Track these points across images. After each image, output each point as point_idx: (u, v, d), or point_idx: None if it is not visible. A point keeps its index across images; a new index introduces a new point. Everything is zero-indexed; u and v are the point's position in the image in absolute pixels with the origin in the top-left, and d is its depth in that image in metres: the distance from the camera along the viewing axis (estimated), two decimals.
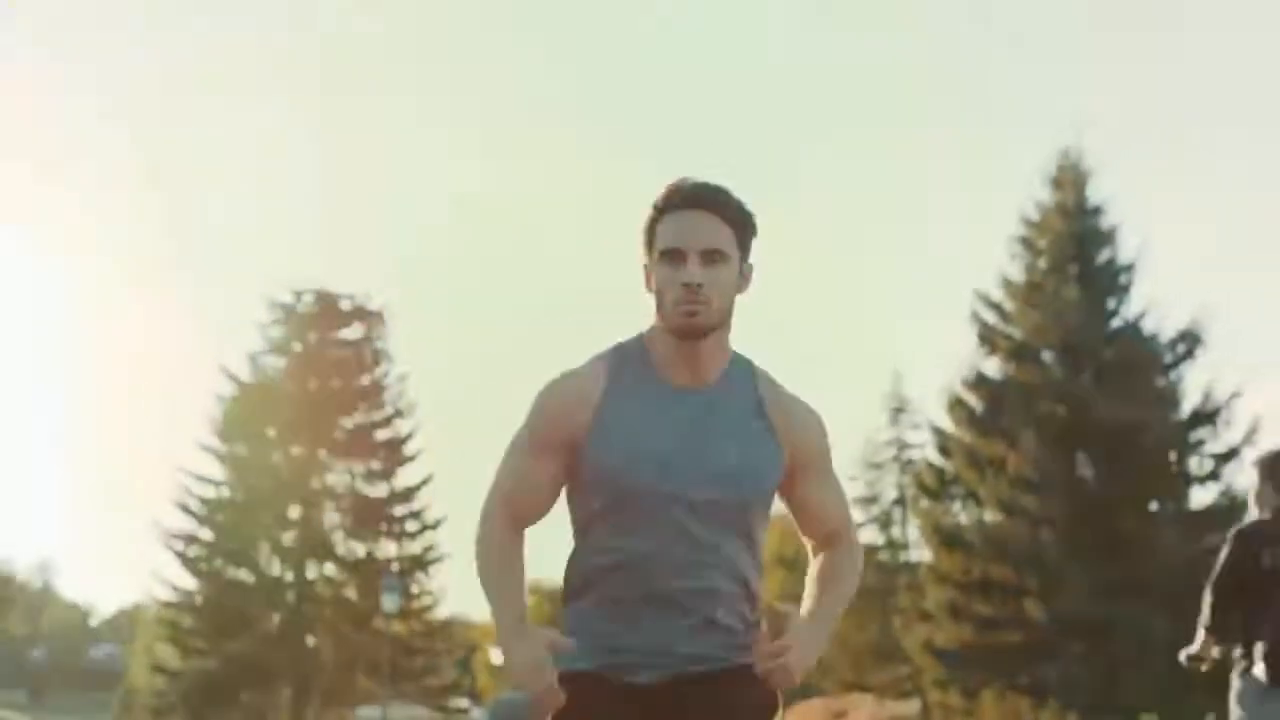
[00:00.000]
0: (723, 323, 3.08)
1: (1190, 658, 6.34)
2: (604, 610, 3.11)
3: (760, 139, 77.54)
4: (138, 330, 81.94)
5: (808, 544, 3.29)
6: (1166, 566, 27.83)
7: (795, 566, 45.03)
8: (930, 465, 32.29)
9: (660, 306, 3.08)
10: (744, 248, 3.10)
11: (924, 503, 32.31)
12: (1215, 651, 6.28)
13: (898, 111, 76.90)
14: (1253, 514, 6.48)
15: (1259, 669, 6.09)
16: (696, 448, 3.06)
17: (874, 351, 69.69)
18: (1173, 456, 29.67)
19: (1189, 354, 29.98)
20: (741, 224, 3.09)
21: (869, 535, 39.97)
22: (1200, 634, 6.30)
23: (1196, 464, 29.91)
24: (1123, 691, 27.86)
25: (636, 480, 3.03)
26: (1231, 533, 6.42)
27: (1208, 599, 6.26)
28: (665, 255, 3.05)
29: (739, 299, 3.13)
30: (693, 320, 3.03)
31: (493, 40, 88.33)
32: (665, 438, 3.05)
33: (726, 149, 71.38)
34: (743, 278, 3.12)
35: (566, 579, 3.20)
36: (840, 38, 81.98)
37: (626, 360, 3.13)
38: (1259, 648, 6.09)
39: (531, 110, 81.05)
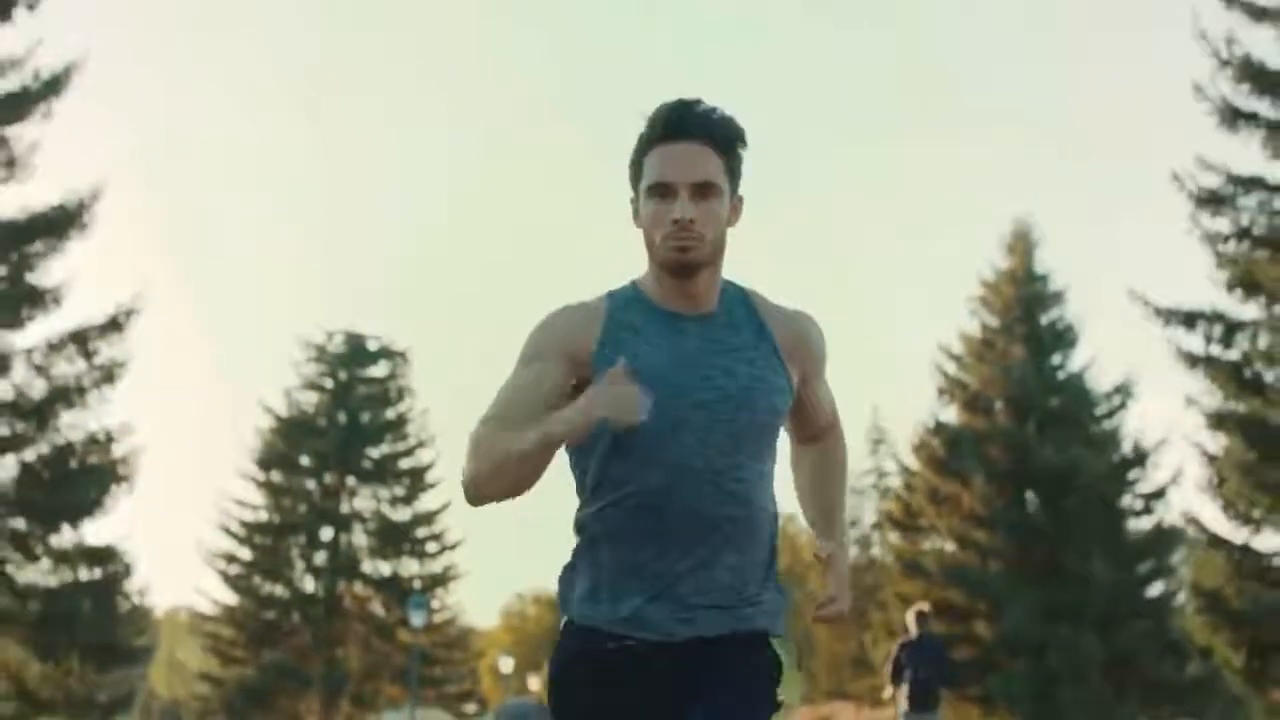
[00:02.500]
0: (715, 257, 3.09)
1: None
2: (619, 557, 3.09)
3: (755, 156, 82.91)
4: (189, 369, 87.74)
5: (793, 434, 3.39)
6: (1100, 593, 33.73)
7: (790, 578, 50.98)
8: (898, 499, 38.32)
9: (650, 243, 3.08)
10: (734, 175, 3.10)
11: (891, 534, 38.32)
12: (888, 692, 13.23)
13: (892, 134, 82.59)
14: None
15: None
16: (704, 371, 3.06)
17: (855, 385, 75.63)
18: (1107, 495, 35.56)
19: (1123, 404, 35.91)
20: (732, 149, 3.09)
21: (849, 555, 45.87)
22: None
23: (1129, 501, 35.80)
24: (1060, 702, 33.76)
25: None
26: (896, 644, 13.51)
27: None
28: (654, 190, 3.05)
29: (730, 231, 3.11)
30: (685, 256, 3.03)
31: (532, 98, 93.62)
32: (672, 362, 3.06)
33: None
34: (733, 209, 3.11)
35: (578, 533, 3.17)
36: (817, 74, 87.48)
37: (620, 298, 3.15)
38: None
39: (556, 152, 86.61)
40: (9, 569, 21.61)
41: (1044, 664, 33.82)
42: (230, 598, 42.60)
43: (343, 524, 42.68)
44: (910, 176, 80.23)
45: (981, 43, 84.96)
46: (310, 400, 43.39)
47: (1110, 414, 36.15)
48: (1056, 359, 36.55)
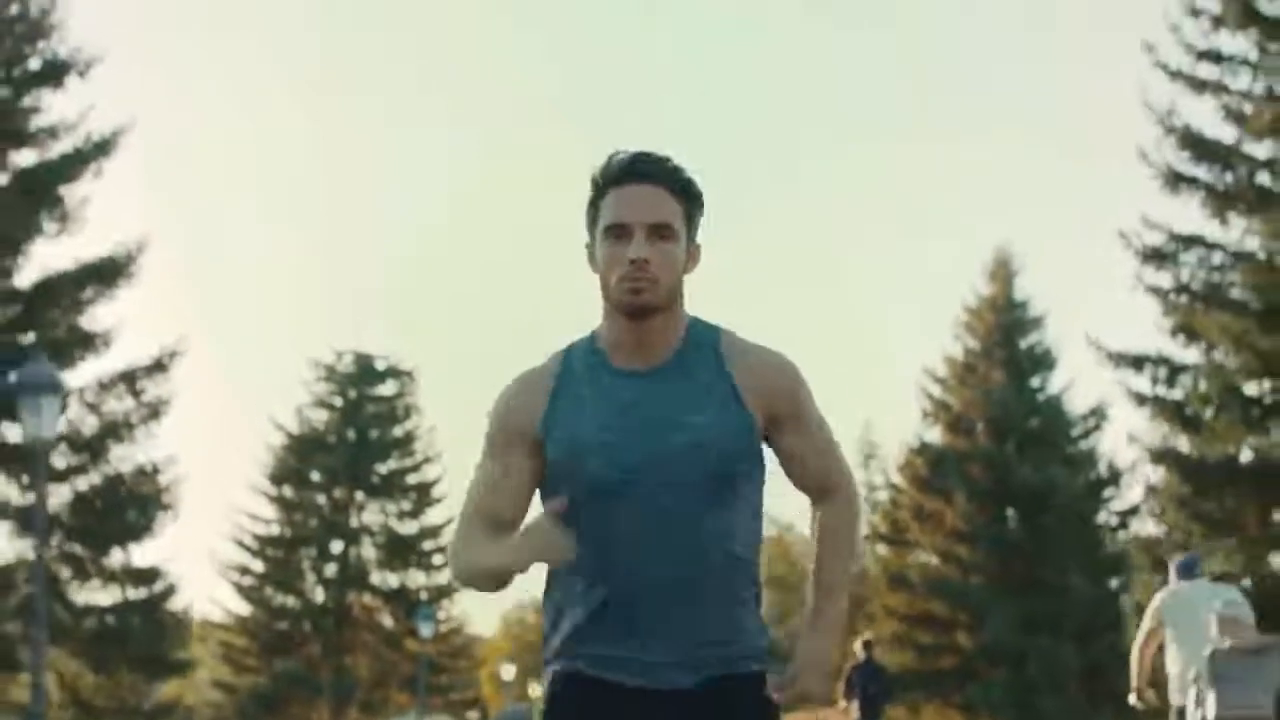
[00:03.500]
0: (671, 302, 3.09)
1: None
2: (583, 618, 3.14)
3: (756, 156, 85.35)
4: (201, 387, 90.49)
5: (798, 489, 3.29)
6: (1075, 605, 36.45)
7: (786, 586, 53.58)
8: (885, 514, 41.09)
9: (605, 286, 3.09)
10: (691, 223, 3.12)
11: (879, 547, 41.07)
12: None
13: (891, 136, 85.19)
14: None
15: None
16: (654, 429, 3.06)
17: (848, 398, 78.18)
18: (1084, 512, 38.28)
19: (1098, 426, 38.66)
20: (689, 197, 3.11)
21: None
22: None
23: (1104, 518, 38.55)
24: (1038, 709, 36.45)
25: (584, 470, 3.04)
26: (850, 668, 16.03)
27: None
28: (610, 231, 3.06)
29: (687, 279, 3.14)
30: (639, 299, 3.04)
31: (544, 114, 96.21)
32: (611, 423, 3.06)
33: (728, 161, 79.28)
34: (690, 256, 3.13)
35: (545, 582, 3.25)
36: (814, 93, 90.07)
37: (576, 352, 3.17)
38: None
39: (558, 153, 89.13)
40: (66, 589, 24.32)
41: (1023, 673, 36.49)
42: (243, 608, 45.15)
43: (352, 537, 45.21)
44: (909, 179, 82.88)
45: (982, 43, 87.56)
46: (320, 418, 45.97)
47: (1086, 435, 38.90)
48: (1035, 382, 39.28)
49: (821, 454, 3.24)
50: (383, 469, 45.86)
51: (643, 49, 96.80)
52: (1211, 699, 9.40)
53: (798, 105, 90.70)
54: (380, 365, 46.50)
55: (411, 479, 46.16)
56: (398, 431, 46.28)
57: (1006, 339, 38.98)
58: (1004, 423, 38.22)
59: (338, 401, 46.09)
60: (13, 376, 21.83)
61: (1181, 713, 9.85)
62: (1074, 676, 36.45)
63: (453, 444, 50.60)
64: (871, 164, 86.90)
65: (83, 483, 24.62)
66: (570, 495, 3.04)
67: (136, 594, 25.42)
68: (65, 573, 24.26)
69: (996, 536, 37.99)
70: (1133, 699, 10.30)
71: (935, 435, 39.68)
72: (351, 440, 45.60)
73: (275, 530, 45.15)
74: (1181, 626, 9.84)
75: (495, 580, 3.09)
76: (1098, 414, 38.66)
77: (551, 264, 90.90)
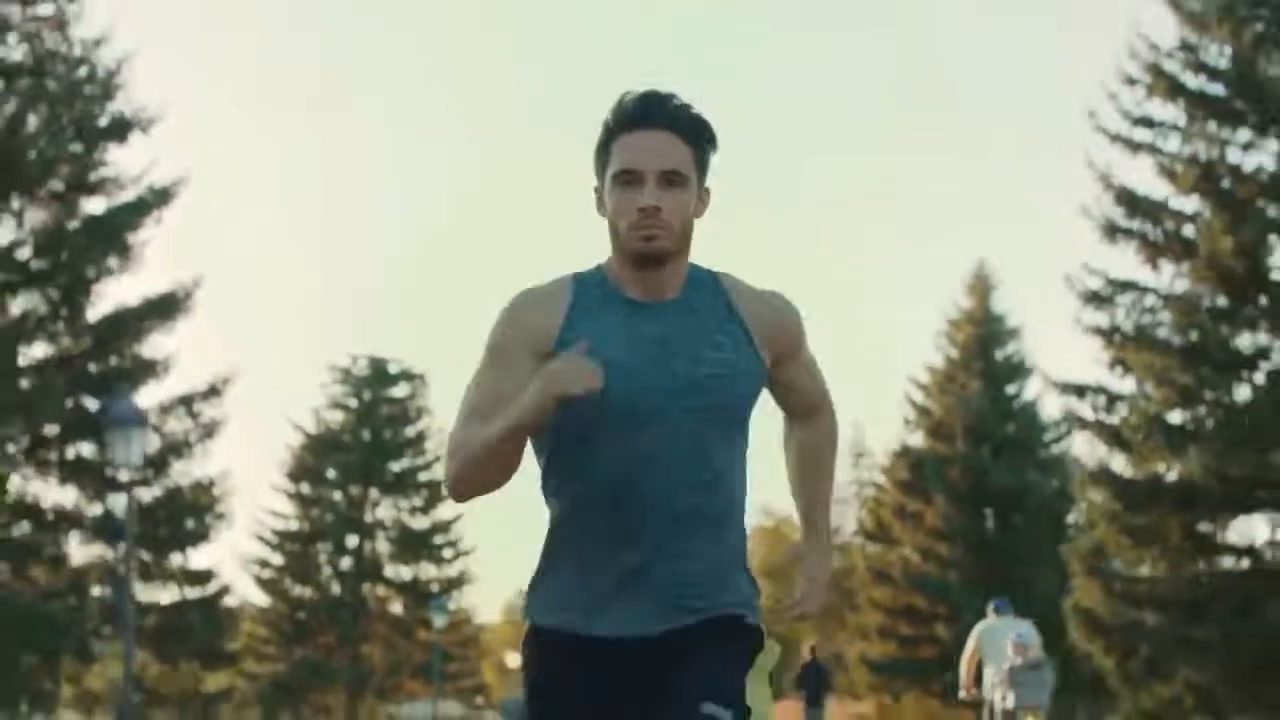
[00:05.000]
0: (682, 249, 3.15)
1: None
2: (574, 552, 3.18)
3: (753, 159, 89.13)
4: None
5: (783, 410, 3.44)
6: (1045, 599, 40.63)
7: (782, 578, 57.67)
8: (871, 514, 45.34)
9: (615, 232, 3.14)
10: (702, 168, 3.17)
11: (866, 545, 45.34)
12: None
13: (891, 138, 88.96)
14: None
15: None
16: (670, 359, 3.12)
17: (839, 398, 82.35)
18: (1056, 514, 42.41)
19: (1069, 432, 42.77)
20: (701, 142, 3.15)
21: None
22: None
23: (1074, 518, 42.66)
24: None
25: (606, 392, 3.04)
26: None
27: None
28: (620, 177, 3.11)
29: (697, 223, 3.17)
30: (651, 245, 3.09)
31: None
32: (636, 350, 3.11)
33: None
34: (700, 201, 3.17)
35: (550, 527, 3.25)
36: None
37: (586, 281, 3.21)
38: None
39: (559, 153, 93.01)
40: (132, 588, 28.53)
41: None
42: (263, 600, 49.16)
43: (366, 532, 48.96)
44: (907, 185, 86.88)
45: (981, 45, 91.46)
46: (336, 419, 49.86)
47: (1058, 440, 43.04)
48: (1011, 390, 43.43)
49: (815, 379, 3.41)
50: (395, 467, 49.59)
51: (641, 50, 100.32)
52: (1011, 697, 14.69)
53: (795, 108, 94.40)
54: (393, 369, 50.42)
55: (423, 476, 49.83)
56: (410, 432, 50.10)
57: (984, 350, 43.11)
58: (981, 429, 42.33)
59: (353, 404, 49.89)
60: (96, 404, 26.17)
61: (991, 707, 15.00)
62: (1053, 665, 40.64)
63: None
64: (870, 170, 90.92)
65: (146, 494, 28.77)
66: (573, 424, 3.10)
67: (194, 593, 29.75)
68: (131, 574, 28.41)
69: (973, 535, 42.12)
70: (962, 694, 15.53)
71: (917, 440, 43.84)
72: (366, 440, 49.39)
73: (294, 526, 48.62)
74: (991, 649, 15.04)
75: (503, 453, 3.10)
76: (1069, 421, 42.80)
77: (552, 262, 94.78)
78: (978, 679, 15.39)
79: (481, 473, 3.14)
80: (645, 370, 3.12)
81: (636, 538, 3.13)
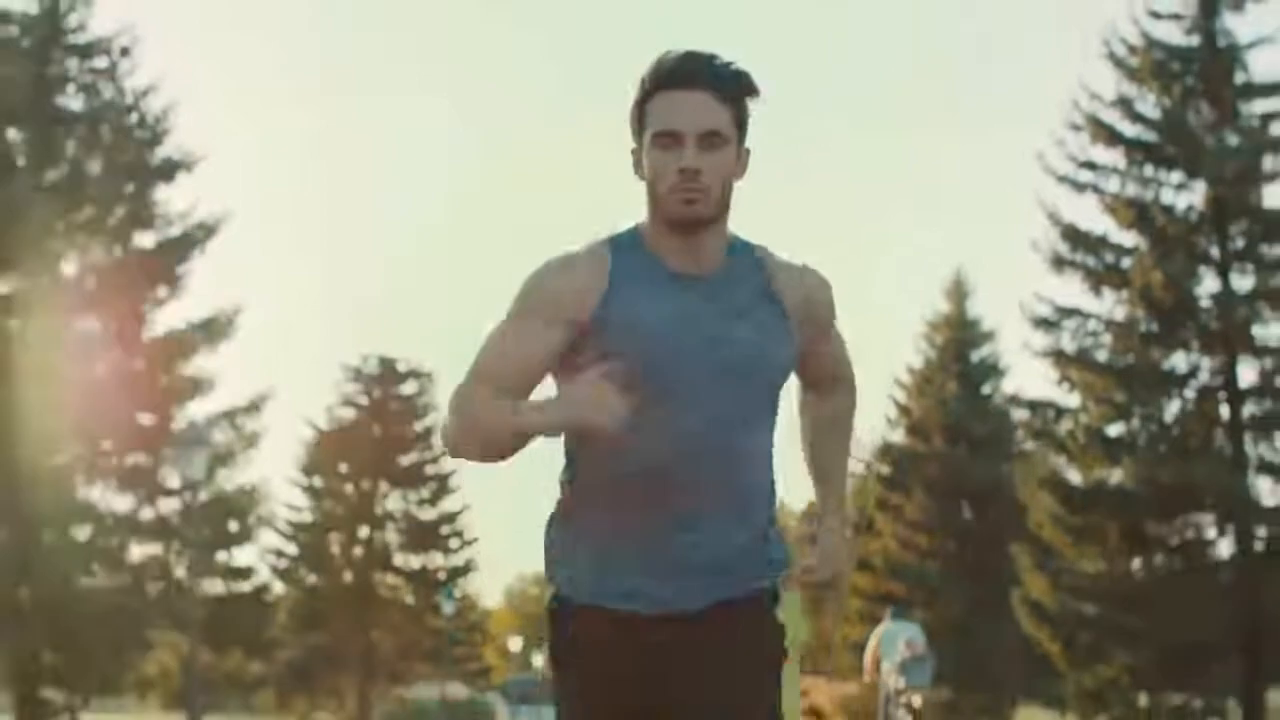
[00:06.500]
0: (722, 212, 3.21)
1: None
2: (608, 530, 3.27)
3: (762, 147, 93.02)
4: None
5: (802, 383, 3.59)
6: (1019, 590, 45.16)
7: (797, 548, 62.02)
8: (854, 506, 49.87)
9: (653, 195, 3.20)
10: (742, 128, 3.23)
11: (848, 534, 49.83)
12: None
13: (904, 121, 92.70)
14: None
15: None
16: (708, 335, 3.20)
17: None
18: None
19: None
20: (740, 101, 3.22)
21: None
22: None
23: None
24: (983, 678, 45.09)
25: (649, 368, 3.14)
26: None
27: None
28: (659, 138, 3.17)
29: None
30: (691, 209, 3.16)
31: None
32: (676, 324, 3.19)
33: None
34: (740, 162, 3.25)
35: (561, 502, 3.37)
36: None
37: (624, 249, 3.26)
38: None
39: (562, 153, 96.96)
40: (183, 582, 33.10)
41: (973, 647, 45.13)
42: (278, 587, 53.19)
43: (377, 523, 52.73)
44: (923, 163, 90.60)
45: (994, 27, 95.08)
46: (348, 415, 54.16)
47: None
48: (987, 389, 47.92)
49: (841, 350, 3.58)
50: (404, 461, 53.32)
51: (643, 47, 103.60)
52: (902, 680, 19.38)
53: (802, 97, 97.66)
54: (402, 368, 54.62)
55: (430, 470, 53.57)
56: (418, 427, 53.94)
57: (960, 352, 47.60)
58: (958, 428, 46.78)
59: (364, 400, 54.16)
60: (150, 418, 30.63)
61: (888, 687, 19.58)
62: (1015, 650, 45.03)
63: None
64: (876, 158, 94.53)
65: (193, 499, 33.27)
66: (625, 397, 3.12)
67: (238, 587, 34.39)
68: (180, 570, 32.90)
69: (951, 527, 46.60)
70: (866, 678, 20.56)
71: (899, 436, 48.38)
72: (376, 435, 53.36)
73: (307, 517, 52.62)
74: (889, 646, 19.66)
75: (509, 443, 3.18)
76: (1025, 430, 47.28)
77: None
78: (878, 667, 19.92)
79: (479, 451, 3.26)
80: (686, 346, 3.19)
81: (672, 513, 3.22)
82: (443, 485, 54.24)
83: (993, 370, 47.96)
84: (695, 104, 3.16)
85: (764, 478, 3.35)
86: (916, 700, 19.35)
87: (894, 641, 19.58)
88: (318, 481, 53.31)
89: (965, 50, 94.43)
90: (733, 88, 3.21)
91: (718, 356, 3.22)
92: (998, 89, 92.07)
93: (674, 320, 3.21)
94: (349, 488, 53.26)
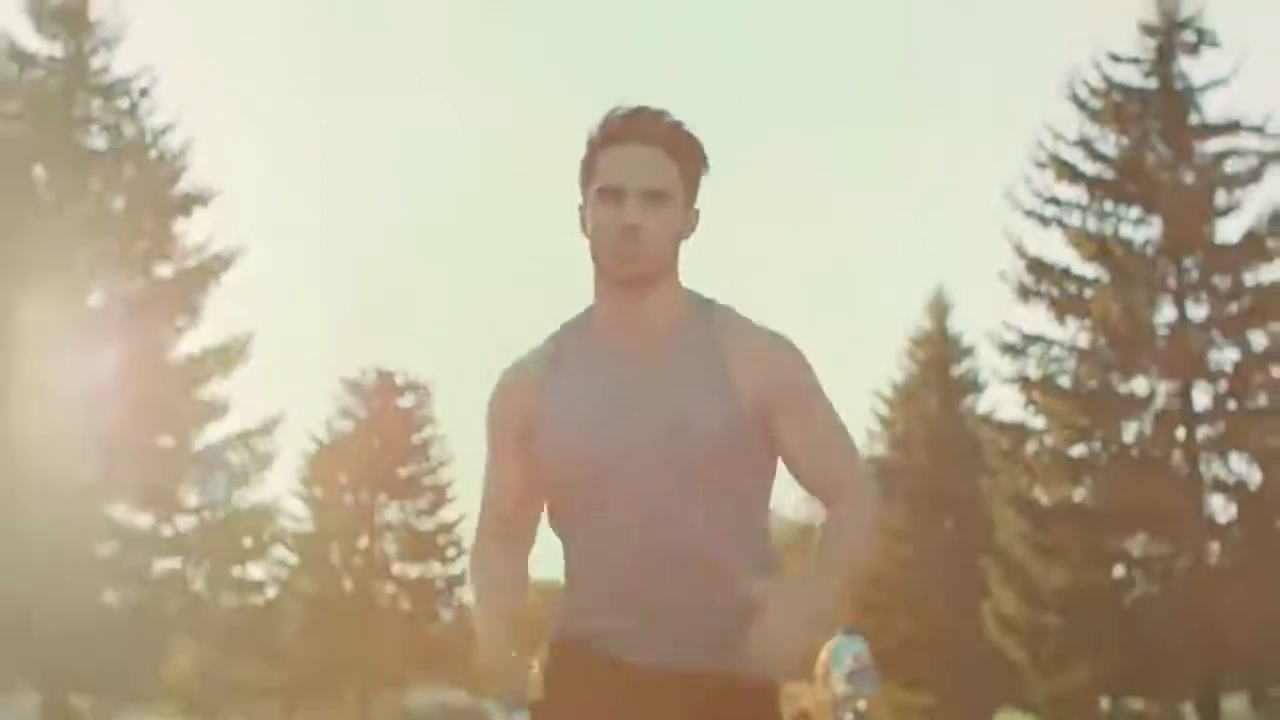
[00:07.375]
0: (664, 271, 3.22)
1: None
2: (582, 592, 3.39)
3: (754, 153, 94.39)
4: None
5: (806, 491, 3.44)
6: (989, 601, 47.81)
7: None
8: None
9: (595, 252, 3.23)
10: (690, 186, 3.23)
11: None
12: None
13: (889, 118, 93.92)
14: None
15: None
16: (637, 412, 3.22)
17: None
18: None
19: (1022, 441, 49.90)
20: (689, 159, 3.22)
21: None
22: None
23: None
24: (966, 681, 47.72)
25: (571, 458, 3.24)
26: None
27: None
28: (602, 193, 3.18)
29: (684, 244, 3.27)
30: (629, 268, 3.18)
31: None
32: (605, 409, 3.23)
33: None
34: (689, 221, 3.25)
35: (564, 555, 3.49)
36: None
37: (570, 332, 3.32)
38: None
39: (563, 152, 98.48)
40: (203, 597, 35.82)
41: (954, 651, 47.77)
42: (283, 597, 55.46)
43: (376, 533, 54.90)
44: (910, 162, 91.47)
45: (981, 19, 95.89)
46: (347, 427, 56.58)
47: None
48: (967, 403, 50.62)
49: (823, 448, 3.31)
50: (402, 472, 55.52)
51: (640, 49, 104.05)
52: (849, 689, 21.79)
53: (802, 97, 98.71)
54: (399, 380, 57.03)
55: (428, 481, 55.45)
56: (415, 439, 56.51)
57: (941, 368, 50.31)
58: (938, 442, 49.46)
59: (362, 413, 56.57)
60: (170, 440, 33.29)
61: (836, 696, 21.99)
62: (996, 654, 47.66)
63: (463, 448, 60.74)
64: (862, 157, 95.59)
65: (210, 516, 36.01)
66: (558, 490, 3.30)
67: (251, 600, 37.07)
68: (199, 584, 35.52)
69: (933, 537, 49.26)
70: (817, 686, 22.58)
71: (881, 448, 51.09)
72: (375, 447, 55.81)
73: (307, 527, 54.94)
74: (838, 659, 21.99)
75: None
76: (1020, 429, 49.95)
77: (557, 280, 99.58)
78: (828, 677, 22.33)
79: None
80: (611, 430, 3.23)
81: (620, 592, 3.29)
82: (440, 496, 56.27)
83: (973, 385, 50.68)
84: (641, 159, 3.18)
85: (722, 548, 3.28)
86: (862, 705, 21.95)
87: (841, 655, 21.94)
88: (317, 492, 55.40)
89: (948, 56, 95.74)
90: (680, 146, 3.24)
91: (645, 432, 3.24)
92: (979, 96, 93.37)
93: (601, 403, 3.27)
94: (348, 498, 55.31)
